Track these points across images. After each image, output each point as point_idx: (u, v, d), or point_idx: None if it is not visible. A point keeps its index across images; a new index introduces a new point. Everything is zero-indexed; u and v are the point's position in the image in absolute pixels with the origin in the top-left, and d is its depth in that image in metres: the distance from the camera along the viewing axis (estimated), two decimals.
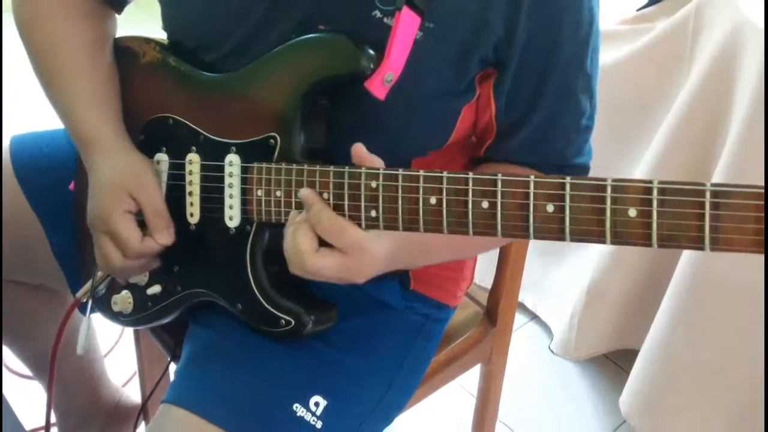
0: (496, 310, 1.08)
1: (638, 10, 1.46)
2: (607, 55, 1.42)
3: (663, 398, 1.30)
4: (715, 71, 1.21)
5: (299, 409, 0.75)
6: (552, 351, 1.59)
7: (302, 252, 0.66)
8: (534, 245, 1.39)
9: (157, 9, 0.85)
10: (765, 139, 1.06)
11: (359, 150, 0.66)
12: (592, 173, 0.82)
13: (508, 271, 1.06)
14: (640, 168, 1.34)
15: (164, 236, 0.78)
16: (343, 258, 0.66)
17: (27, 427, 0.83)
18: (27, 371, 1.20)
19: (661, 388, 1.30)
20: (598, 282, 1.44)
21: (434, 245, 0.76)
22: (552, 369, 1.58)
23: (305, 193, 0.68)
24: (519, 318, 1.66)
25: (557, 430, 1.46)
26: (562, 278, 1.60)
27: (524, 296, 1.66)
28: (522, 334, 1.64)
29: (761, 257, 1.07)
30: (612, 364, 1.57)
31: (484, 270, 1.22)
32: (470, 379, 1.17)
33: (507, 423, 1.45)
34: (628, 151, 1.42)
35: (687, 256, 1.22)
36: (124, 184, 0.78)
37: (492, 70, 0.74)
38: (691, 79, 1.26)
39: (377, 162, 0.67)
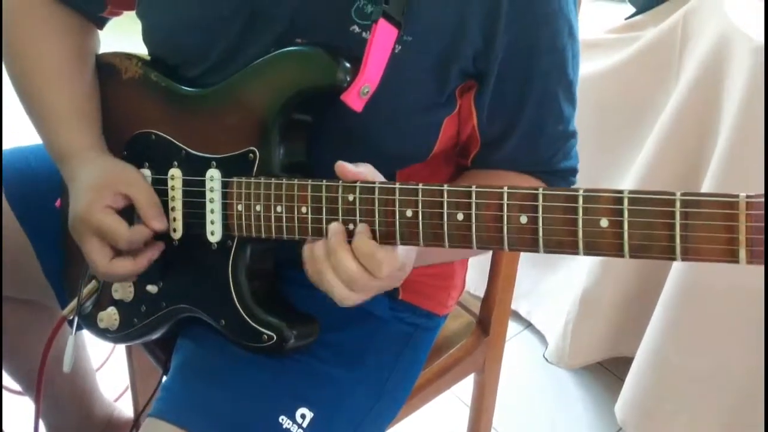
0: (489, 319, 1.08)
1: (627, 18, 1.47)
2: (596, 64, 1.43)
3: (658, 405, 1.30)
4: (704, 78, 1.21)
5: (285, 422, 0.75)
6: (546, 359, 1.58)
7: (355, 278, 0.65)
8: (527, 253, 1.39)
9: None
10: (765, 142, 1.06)
11: (342, 168, 0.65)
12: (582, 181, 0.82)
13: (500, 279, 1.06)
14: (630, 176, 1.34)
15: (158, 222, 0.77)
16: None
17: None
18: (17, 386, 1.20)
19: (656, 396, 1.30)
20: (592, 290, 1.44)
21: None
22: (546, 377, 1.57)
23: (332, 227, 0.66)
24: (513, 326, 1.65)
25: None
26: (555, 286, 1.60)
27: (518, 304, 1.66)
28: (516, 343, 1.64)
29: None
30: (607, 372, 1.57)
31: (477, 279, 1.22)
32: (464, 388, 1.16)
33: None
34: (618, 159, 1.43)
35: (678, 263, 1.23)
36: (109, 184, 0.78)
37: (473, 82, 0.74)
38: (680, 87, 1.27)
39: (363, 170, 0.66)
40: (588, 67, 1.43)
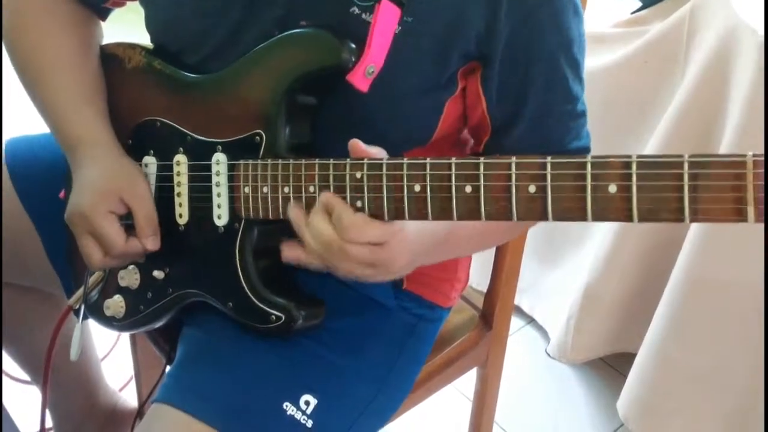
0: (492, 313, 1.08)
1: (633, 13, 1.47)
2: (602, 58, 1.43)
3: (660, 402, 1.30)
4: (710, 73, 1.21)
5: (289, 408, 0.75)
6: (549, 354, 1.58)
7: (329, 241, 0.65)
8: (530, 248, 1.39)
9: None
10: (765, 137, 1.06)
11: (356, 145, 0.65)
12: None
13: (503, 274, 1.06)
14: None
15: (152, 242, 0.79)
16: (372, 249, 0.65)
17: None
18: (24, 376, 1.20)
19: (658, 392, 1.30)
20: (595, 285, 1.44)
21: (460, 236, 0.76)
22: (549, 372, 1.57)
23: (324, 197, 0.66)
24: (516, 321, 1.65)
25: None
26: (558, 281, 1.60)
27: (521, 299, 1.66)
28: (519, 338, 1.64)
29: (759, 259, 1.08)
30: (609, 367, 1.57)
31: (480, 273, 1.22)
32: (466, 382, 1.16)
33: (504, 427, 1.44)
34: (624, 153, 1.42)
35: (683, 258, 1.23)
36: (117, 189, 0.79)
37: (476, 64, 0.74)
38: (686, 82, 1.27)
39: (374, 151, 0.65)
40: (594, 61, 1.43)
